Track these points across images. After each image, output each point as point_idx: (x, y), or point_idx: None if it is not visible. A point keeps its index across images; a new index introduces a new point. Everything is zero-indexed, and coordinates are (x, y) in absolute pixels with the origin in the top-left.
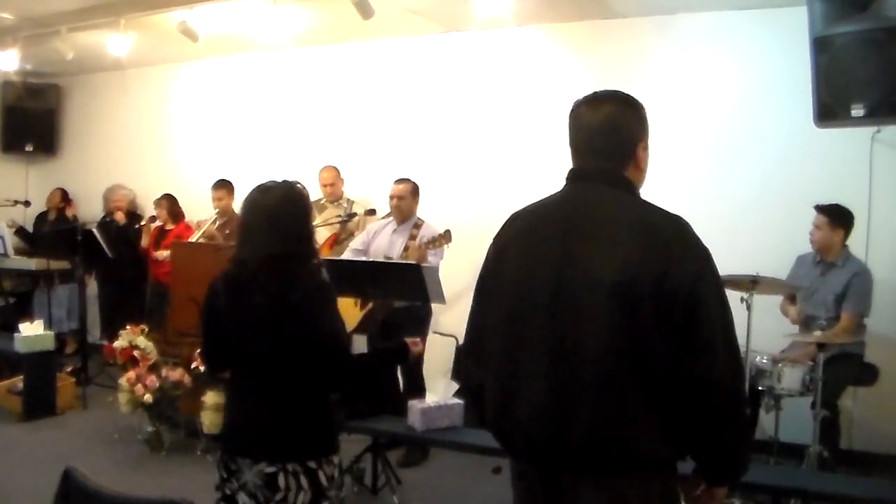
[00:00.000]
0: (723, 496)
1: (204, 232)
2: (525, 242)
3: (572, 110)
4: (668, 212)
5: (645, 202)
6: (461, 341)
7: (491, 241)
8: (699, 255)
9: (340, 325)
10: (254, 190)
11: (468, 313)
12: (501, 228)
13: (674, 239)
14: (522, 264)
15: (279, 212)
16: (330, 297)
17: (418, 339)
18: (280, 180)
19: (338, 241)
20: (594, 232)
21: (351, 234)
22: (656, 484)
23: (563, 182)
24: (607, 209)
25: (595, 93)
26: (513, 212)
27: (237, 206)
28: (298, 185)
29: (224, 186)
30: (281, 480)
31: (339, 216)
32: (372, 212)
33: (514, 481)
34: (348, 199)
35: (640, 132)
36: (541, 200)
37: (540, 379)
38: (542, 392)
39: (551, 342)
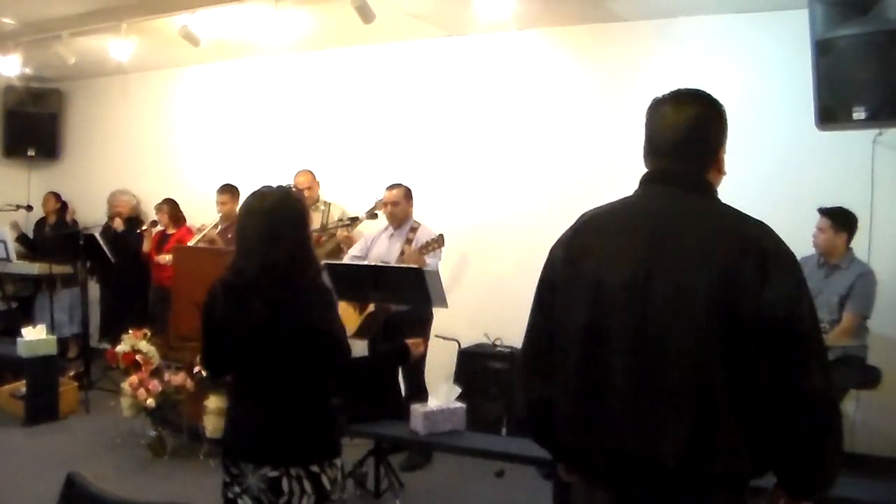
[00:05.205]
0: None
1: (204, 235)
2: (605, 247)
3: (653, 108)
4: (753, 218)
5: (730, 207)
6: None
7: (548, 244)
8: (793, 266)
9: (341, 328)
10: (250, 196)
11: (527, 321)
12: (573, 231)
13: (768, 248)
14: (604, 271)
15: (276, 218)
16: (330, 302)
17: (420, 340)
18: (275, 186)
19: (319, 243)
20: (683, 239)
21: (332, 236)
22: (739, 500)
23: (622, 183)
24: (695, 215)
25: (679, 91)
26: (581, 213)
27: None
28: (294, 190)
29: (228, 191)
30: (284, 485)
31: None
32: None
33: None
34: (325, 202)
35: (723, 134)
36: (616, 202)
37: (627, 395)
38: (630, 409)
39: (640, 355)
